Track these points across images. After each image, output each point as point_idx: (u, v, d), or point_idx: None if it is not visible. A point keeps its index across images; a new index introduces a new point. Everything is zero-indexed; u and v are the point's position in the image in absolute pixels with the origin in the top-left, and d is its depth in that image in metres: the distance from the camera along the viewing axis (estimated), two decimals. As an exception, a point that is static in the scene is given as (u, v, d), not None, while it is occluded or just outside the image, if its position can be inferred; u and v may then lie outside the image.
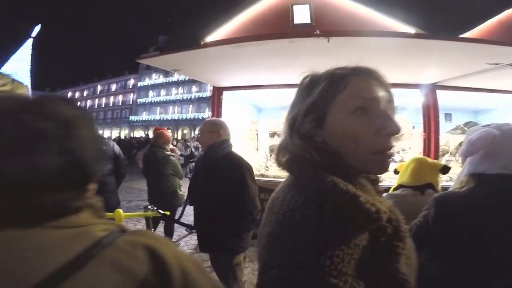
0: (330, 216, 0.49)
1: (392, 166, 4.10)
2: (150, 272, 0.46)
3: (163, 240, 0.56)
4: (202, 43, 2.92)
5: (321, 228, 0.47)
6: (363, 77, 0.60)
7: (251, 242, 2.19)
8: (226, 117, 4.94)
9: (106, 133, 48.27)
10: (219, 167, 2.02)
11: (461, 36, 4.89)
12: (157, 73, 44.68)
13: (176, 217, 3.92)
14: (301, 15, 4.22)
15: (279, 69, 3.42)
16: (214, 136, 2.04)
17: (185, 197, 3.69)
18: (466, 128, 6.62)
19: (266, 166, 5.12)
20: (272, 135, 6.31)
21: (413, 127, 6.32)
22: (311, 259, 0.44)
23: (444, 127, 6.25)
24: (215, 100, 4.83)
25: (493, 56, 2.71)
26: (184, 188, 3.59)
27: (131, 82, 47.75)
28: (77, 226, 0.47)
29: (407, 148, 5.11)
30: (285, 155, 0.66)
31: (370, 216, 0.47)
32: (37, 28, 34.21)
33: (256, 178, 4.73)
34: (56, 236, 0.44)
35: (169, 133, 3.70)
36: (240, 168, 2.01)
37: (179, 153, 3.95)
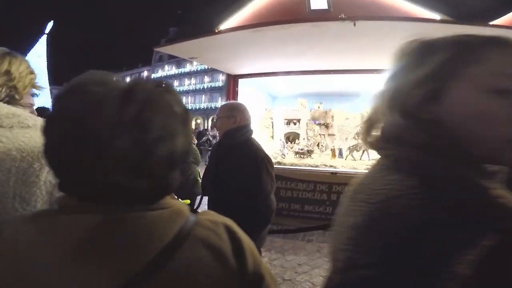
0: (447, 210, 0.40)
1: None
2: (231, 250, 0.48)
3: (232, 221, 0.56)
4: (216, 30, 2.84)
5: (433, 224, 0.39)
6: (506, 49, 0.47)
7: (266, 239, 2.05)
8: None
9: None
10: (232, 156, 1.78)
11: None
12: (170, 65, 44.92)
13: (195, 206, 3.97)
14: (319, 5, 4.03)
15: (298, 55, 3.31)
16: (231, 121, 1.82)
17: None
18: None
19: (282, 154, 5.06)
20: (288, 122, 6.21)
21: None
22: (417, 261, 0.38)
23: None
24: (230, 88, 4.77)
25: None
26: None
27: (145, 74, 48.34)
28: (170, 206, 0.48)
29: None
30: (376, 133, 0.57)
31: (508, 213, 0.39)
32: (50, 25, 34.89)
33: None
34: (159, 216, 0.45)
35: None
36: (256, 159, 1.74)
37: (195, 141, 3.95)
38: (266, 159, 1.78)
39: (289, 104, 6.81)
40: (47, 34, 40.30)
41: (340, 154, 5.01)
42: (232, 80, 4.72)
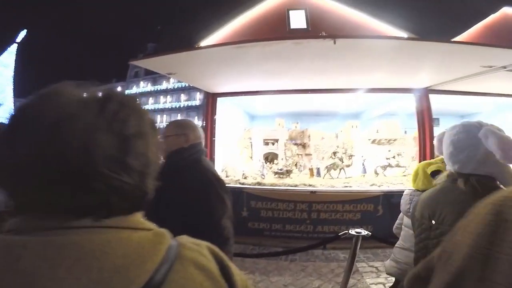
0: None
1: (391, 171, 4.04)
2: (218, 270, 0.48)
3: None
4: (197, 46, 2.80)
5: None
6: None
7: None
8: (219, 125, 4.84)
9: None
10: (179, 179, 1.51)
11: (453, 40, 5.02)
12: (145, 81, 44.06)
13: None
14: (297, 20, 4.23)
15: (278, 73, 3.37)
16: (182, 140, 1.61)
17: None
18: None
19: (262, 174, 5.01)
20: (266, 143, 6.23)
21: (405, 132, 6.41)
22: None
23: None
24: (209, 107, 4.71)
25: (487, 59, 2.75)
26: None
27: (119, 89, 46.96)
28: (151, 228, 0.46)
29: (402, 152, 5.14)
30: None
31: None
32: (23, 34, 33.19)
33: (253, 186, 4.73)
34: (144, 237, 0.43)
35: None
36: (203, 181, 1.52)
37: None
38: (216, 181, 1.58)
39: (267, 123, 6.89)
40: (17, 43, 38.19)
41: (318, 173, 5.08)
42: (211, 99, 4.68)
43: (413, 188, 1.92)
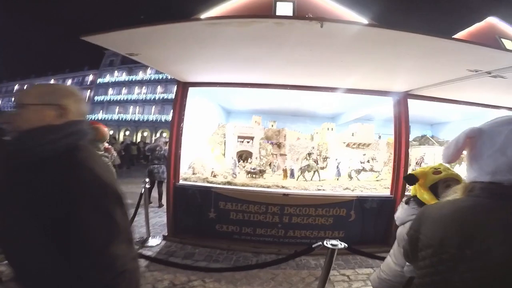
0: None
1: (364, 175, 3.88)
2: None
3: None
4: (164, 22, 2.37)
5: None
6: None
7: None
8: (190, 117, 4.42)
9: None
10: (29, 182, 0.89)
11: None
12: (120, 70, 41.75)
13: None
14: (284, 12, 3.96)
15: (256, 61, 3.04)
16: (50, 113, 0.99)
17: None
18: (422, 141, 7.04)
19: (233, 173, 4.67)
20: (241, 140, 5.90)
21: (379, 136, 6.42)
22: None
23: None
24: (179, 97, 4.27)
25: (473, 62, 2.65)
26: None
27: (90, 78, 44.01)
28: None
29: (376, 157, 5.07)
30: None
31: None
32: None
33: (222, 186, 4.38)
34: None
35: (105, 129, 3.03)
36: (75, 188, 0.88)
37: (115, 154, 3.27)
38: (97, 185, 0.92)
39: (243, 120, 6.58)
40: None
41: (292, 174, 4.86)
42: (181, 88, 4.24)
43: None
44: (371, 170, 4.83)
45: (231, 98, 5.62)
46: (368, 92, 4.32)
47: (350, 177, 4.72)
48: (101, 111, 42.27)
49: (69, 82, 46.94)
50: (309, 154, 4.73)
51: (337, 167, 4.77)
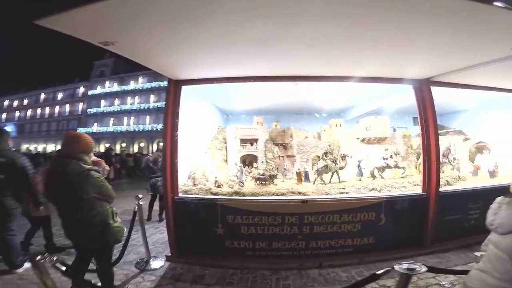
0: None
1: (388, 173, 3.29)
2: None
3: None
4: None
5: None
6: None
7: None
8: (185, 122, 3.85)
9: (49, 147, 42.65)
10: None
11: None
12: (111, 81, 41.02)
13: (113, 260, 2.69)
14: None
15: (265, 43, 2.46)
16: None
17: (125, 230, 2.56)
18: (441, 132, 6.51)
19: (240, 182, 4.08)
20: (244, 143, 5.33)
21: (394, 129, 5.89)
22: None
23: (414, 131, 5.98)
24: (170, 97, 3.70)
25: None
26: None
27: (81, 90, 43.22)
28: None
29: (400, 152, 4.52)
30: None
31: None
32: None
33: (229, 197, 3.76)
34: None
35: (89, 138, 2.44)
36: None
37: (107, 168, 2.66)
38: None
39: (244, 123, 6.01)
40: None
41: (307, 177, 4.29)
42: (173, 87, 3.67)
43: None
44: (396, 166, 4.29)
45: (229, 98, 5.05)
46: (383, 80, 3.81)
47: (373, 176, 4.16)
48: (95, 123, 41.51)
49: (60, 95, 46.19)
50: (326, 153, 4.17)
51: (359, 166, 4.21)
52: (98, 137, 38.72)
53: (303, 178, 4.24)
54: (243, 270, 3.42)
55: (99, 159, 2.62)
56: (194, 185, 3.94)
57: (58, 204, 2.26)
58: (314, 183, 4.08)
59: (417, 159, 5.21)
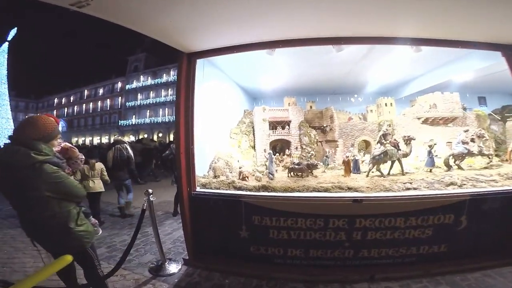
0: None
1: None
2: None
3: None
4: None
5: None
6: None
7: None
8: (204, 104, 3.19)
9: (95, 140, 46.11)
10: None
11: None
12: (145, 75, 42.54)
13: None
14: None
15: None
16: None
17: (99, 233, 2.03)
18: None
19: (270, 173, 3.30)
20: (274, 126, 4.55)
21: (465, 108, 4.65)
22: None
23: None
24: (182, 75, 3.03)
25: None
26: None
27: (119, 85, 45.56)
28: None
29: (484, 134, 3.36)
30: None
31: None
32: (13, 32, 32.17)
33: (255, 193, 2.68)
34: None
35: (51, 121, 1.82)
36: None
37: (81, 156, 2.06)
38: None
39: (274, 103, 5.20)
40: (9, 41, 37.45)
41: (356, 168, 3.37)
42: (186, 62, 2.98)
43: None
44: (481, 153, 3.17)
45: (255, 74, 4.27)
46: (461, 44, 2.78)
47: (447, 166, 3.10)
48: (134, 116, 43.69)
49: (100, 91, 49.28)
50: (385, 135, 3.17)
51: (430, 152, 3.17)
52: (137, 129, 40.76)
53: (352, 169, 3.33)
54: (270, 280, 2.78)
55: (71, 146, 2.03)
56: (215, 176, 3.28)
57: (9, 201, 1.73)
58: (368, 176, 3.14)
59: (496, 145, 4.00)
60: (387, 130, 3.18)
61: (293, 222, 2.73)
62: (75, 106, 51.68)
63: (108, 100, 47.34)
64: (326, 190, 2.76)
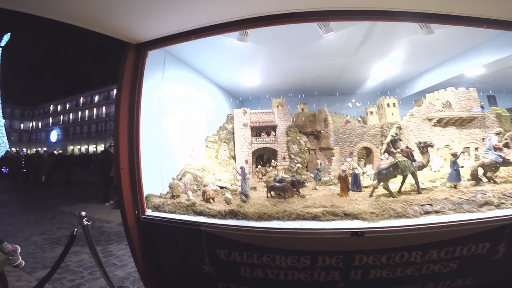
0: None
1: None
2: None
3: None
4: None
5: None
6: None
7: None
8: (160, 112, 2.49)
9: (91, 148, 45.39)
10: None
11: None
12: (141, 82, 42.40)
13: None
14: None
15: None
16: None
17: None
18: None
19: (243, 194, 2.51)
20: (257, 132, 3.85)
21: (482, 106, 3.97)
22: None
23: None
24: (126, 73, 2.35)
25: None
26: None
27: (115, 92, 45.33)
28: None
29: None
30: None
31: None
32: (6, 37, 31.84)
33: (218, 221, 1.66)
34: None
35: None
36: None
37: None
38: None
39: (257, 106, 4.52)
40: (2, 47, 37.00)
41: (356, 184, 2.63)
42: (133, 54, 2.31)
43: None
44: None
45: (231, 68, 3.59)
46: (485, 23, 2.11)
47: (475, 179, 2.35)
48: (129, 124, 43.21)
49: (96, 98, 48.87)
50: (393, 141, 2.36)
51: (455, 163, 2.39)
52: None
53: (350, 185, 2.58)
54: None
55: None
56: (173, 196, 2.55)
57: None
58: (371, 195, 2.36)
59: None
60: (396, 135, 2.42)
61: (270, 259, 2.00)
62: (71, 114, 51.26)
63: (104, 107, 46.89)
64: (315, 217, 2.02)
